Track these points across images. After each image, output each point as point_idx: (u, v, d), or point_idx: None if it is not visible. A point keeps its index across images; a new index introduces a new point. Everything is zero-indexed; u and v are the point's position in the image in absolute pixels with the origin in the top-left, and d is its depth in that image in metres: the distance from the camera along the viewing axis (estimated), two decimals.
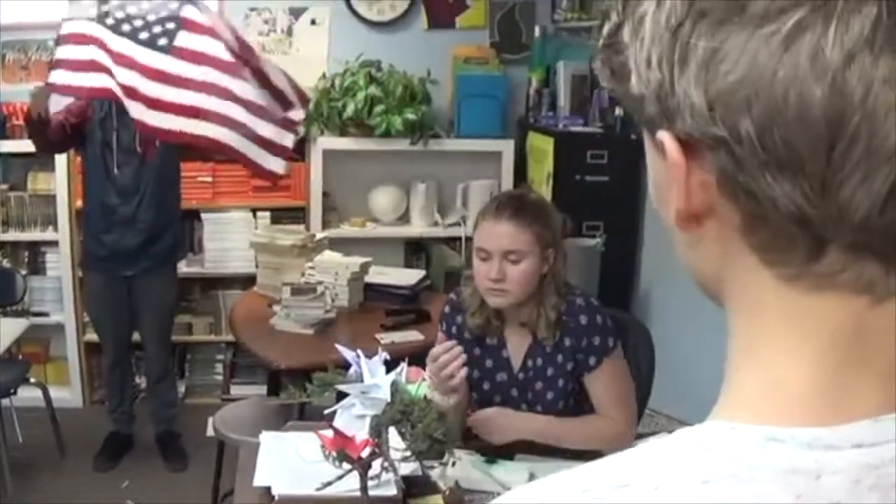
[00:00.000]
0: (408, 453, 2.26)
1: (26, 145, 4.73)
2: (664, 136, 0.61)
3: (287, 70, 5.30)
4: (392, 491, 2.42)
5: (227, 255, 5.47)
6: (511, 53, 5.61)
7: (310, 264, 4.36)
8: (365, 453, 2.22)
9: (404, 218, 5.69)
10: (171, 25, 3.93)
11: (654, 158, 0.66)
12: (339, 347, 2.47)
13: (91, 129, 4.47)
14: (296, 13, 5.55)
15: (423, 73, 5.42)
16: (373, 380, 2.29)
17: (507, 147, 5.50)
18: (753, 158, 0.56)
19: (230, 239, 5.46)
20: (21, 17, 5.44)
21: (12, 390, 4.55)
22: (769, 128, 0.55)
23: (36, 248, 5.48)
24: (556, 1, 5.38)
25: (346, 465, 2.21)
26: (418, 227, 5.66)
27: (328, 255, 4.43)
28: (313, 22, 5.57)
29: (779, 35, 0.54)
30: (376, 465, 2.22)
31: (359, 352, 2.39)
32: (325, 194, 5.58)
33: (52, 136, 4.37)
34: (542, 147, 5.15)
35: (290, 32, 5.57)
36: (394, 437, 2.27)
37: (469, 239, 5.51)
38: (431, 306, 4.13)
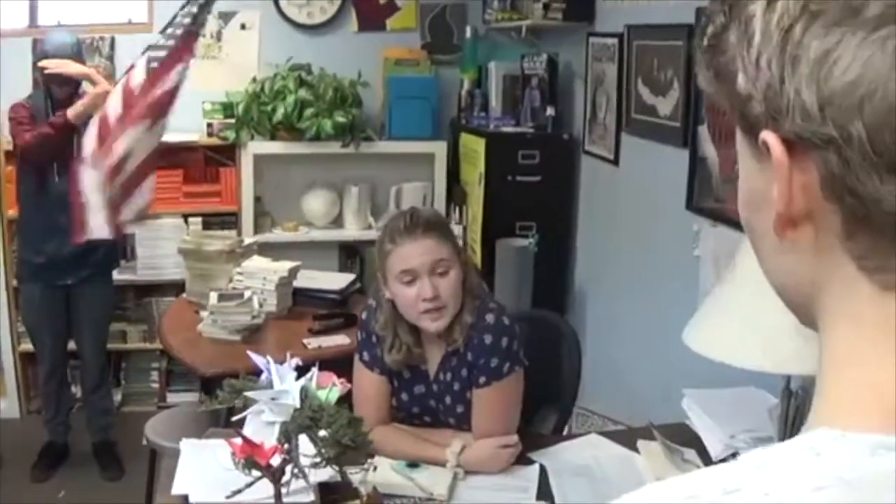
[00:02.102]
0: (318, 459, 2.25)
1: None
2: (769, 135, 0.61)
3: (218, 75, 5.32)
4: (309, 497, 2.42)
5: (160, 261, 5.42)
6: (443, 54, 5.60)
7: (238, 270, 4.32)
8: (275, 461, 2.21)
9: (338, 222, 5.67)
10: None
11: (750, 162, 0.66)
12: (251, 354, 2.45)
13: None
14: (225, 18, 5.51)
15: (355, 75, 5.39)
16: (282, 386, 2.28)
17: (439, 149, 5.50)
18: (862, 159, 0.57)
19: (162, 246, 5.40)
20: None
21: None
22: (881, 129, 0.56)
23: None
24: (486, 1, 5.38)
25: (257, 473, 2.20)
26: (352, 231, 5.64)
27: (256, 261, 4.40)
28: (243, 27, 5.54)
29: (893, 40, 0.55)
30: (288, 471, 2.21)
31: (268, 358, 2.36)
32: (257, 199, 5.55)
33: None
34: (474, 148, 5.16)
35: (219, 38, 5.53)
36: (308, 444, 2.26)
37: None
38: (361, 310, 4.11)
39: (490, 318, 2.73)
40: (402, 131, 5.43)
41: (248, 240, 4.72)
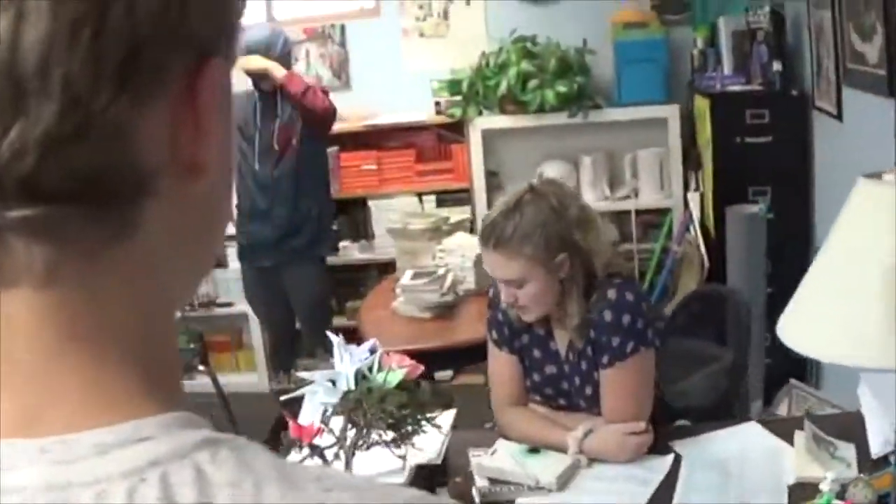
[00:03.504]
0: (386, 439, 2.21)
1: None
2: None
3: (446, 53, 5.37)
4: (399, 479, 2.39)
5: None
6: (673, 14, 5.32)
7: (440, 247, 4.33)
8: (325, 441, 2.20)
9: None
10: None
11: None
12: (329, 333, 2.44)
13: (236, 127, 4.64)
14: None
15: (581, 43, 5.24)
16: (340, 367, 2.25)
17: (671, 112, 5.23)
18: None
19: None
20: None
21: None
22: None
23: None
24: None
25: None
26: (589, 202, 5.46)
27: (458, 238, 4.39)
28: (468, 2, 5.52)
29: None
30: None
31: (339, 337, 2.35)
32: (493, 174, 5.54)
33: None
34: (703, 109, 4.86)
35: (445, 16, 5.56)
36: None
37: (638, 213, 5.36)
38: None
39: (612, 293, 2.55)
40: (632, 96, 5.22)
41: (456, 217, 4.71)
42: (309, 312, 4.87)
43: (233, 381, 5.51)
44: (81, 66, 0.49)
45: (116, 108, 0.50)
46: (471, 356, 3.67)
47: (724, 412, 3.14)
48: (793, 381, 3.94)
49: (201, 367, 5.05)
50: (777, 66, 4.57)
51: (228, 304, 5.79)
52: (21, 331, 0.53)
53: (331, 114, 4.66)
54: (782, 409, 4.09)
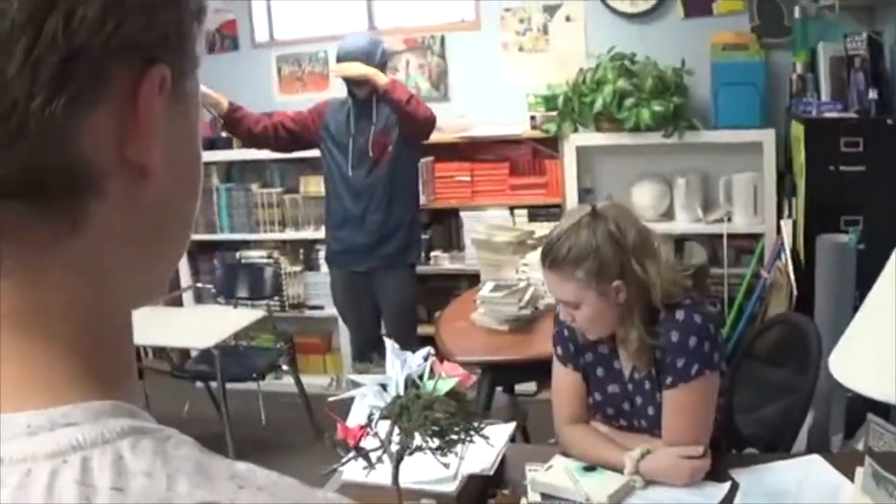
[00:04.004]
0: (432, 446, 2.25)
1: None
2: None
3: (545, 67, 5.42)
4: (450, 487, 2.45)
5: None
6: (773, 37, 5.25)
7: (523, 261, 4.35)
8: (372, 444, 2.24)
9: (668, 214, 5.51)
10: None
11: None
12: (385, 338, 2.49)
13: (328, 133, 4.76)
14: (550, 11, 5.56)
15: (679, 63, 5.22)
16: (391, 372, 2.30)
17: (767, 137, 5.16)
18: None
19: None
20: (294, 33, 5.91)
21: (254, 375, 4.96)
22: None
23: (310, 246, 5.92)
24: None
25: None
26: (681, 224, 5.46)
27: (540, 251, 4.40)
28: (568, 18, 5.54)
29: None
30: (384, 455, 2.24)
31: (392, 344, 2.40)
32: (587, 190, 5.55)
33: (249, 131, 4.76)
34: (799, 135, 4.79)
35: (545, 30, 5.59)
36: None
37: (730, 236, 5.31)
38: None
39: (680, 314, 2.53)
40: (728, 119, 5.17)
41: (542, 231, 4.72)
42: (396, 318, 4.93)
43: (319, 382, 5.61)
44: (18, 73, 0.53)
45: (53, 112, 0.54)
46: (551, 371, 3.68)
47: (792, 444, 3.11)
48: (871, 416, 3.85)
49: (285, 368, 5.18)
50: (873, 93, 4.47)
51: (319, 308, 5.91)
52: None
53: (432, 122, 4.72)
54: (861, 445, 4.01)
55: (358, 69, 4.56)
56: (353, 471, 2.32)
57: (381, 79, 4.57)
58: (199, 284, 6.06)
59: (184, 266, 6.14)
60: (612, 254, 2.51)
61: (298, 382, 5.09)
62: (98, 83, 0.56)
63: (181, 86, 0.62)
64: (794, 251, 4.89)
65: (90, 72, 0.55)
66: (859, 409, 4.11)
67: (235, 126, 4.73)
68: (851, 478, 2.53)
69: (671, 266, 2.66)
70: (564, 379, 2.79)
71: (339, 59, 4.66)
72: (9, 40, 0.53)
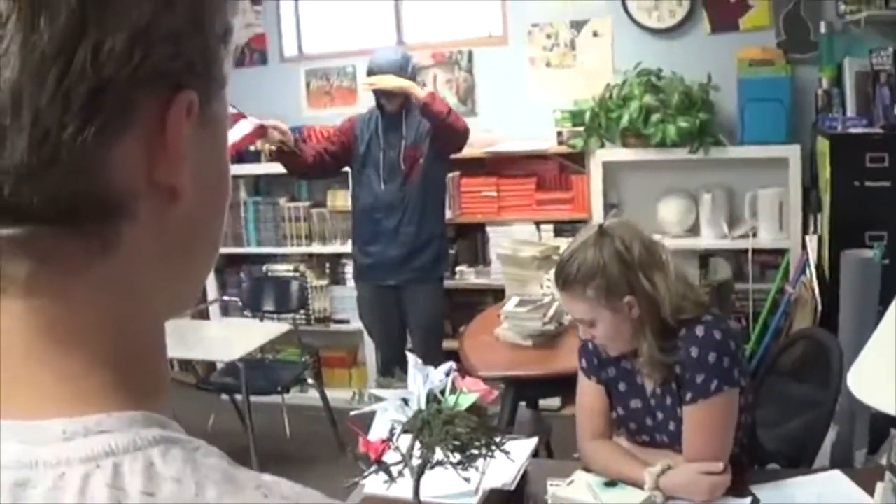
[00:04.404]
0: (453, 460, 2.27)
1: None
2: None
3: (572, 83, 5.45)
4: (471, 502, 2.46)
5: None
6: (799, 53, 5.25)
7: (548, 276, 4.36)
8: (393, 458, 2.26)
9: (694, 230, 5.51)
10: None
11: None
12: (408, 354, 2.51)
13: (357, 148, 4.80)
14: (577, 26, 5.58)
15: (706, 79, 5.22)
16: (413, 386, 2.32)
17: (793, 153, 5.15)
18: None
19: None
20: (322, 48, 5.96)
21: (279, 388, 4.99)
22: None
23: (336, 260, 5.95)
24: None
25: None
26: (707, 239, 5.45)
27: None
28: (595, 34, 5.56)
29: None
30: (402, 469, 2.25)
31: (414, 359, 2.42)
32: (612, 206, 5.56)
33: (306, 164, 4.78)
34: (824, 151, 4.79)
35: (573, 46, 5.61)
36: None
37: (756, 252, 5.30)
38: None
39: (700, 330, 2.53)
40: (754, 135, 5.17)
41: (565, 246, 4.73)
42: (424, 332, 4.96)
43: (344, 396, 5.65)
44: (49, 104, 0.55)
45: (84, 140, 0.56)
46: (574, 386, 3.69)
47: (814, 459, 3.10)
48: (894, 431, 3.84)
49: (310, 381, 5.21)
50: None
51: (345, 322, 5.94)
52: (4, 332, 0.60)
53: (468, 134, 4.79)
54: (885, 460, 3.99)
55: (396, 81, 4.61)
56: (374, 484, 2.34)
57: (420, 92, 4.61)
58: (226, 298, 6.10)
59: (210, 279, 6.18)
60: (620, 271, 2.54)
61: (323, 396, 5.12)
62: (126, 112, 0.58)
63: (208, 108, 0.64)
64: (818, 266, 4.89)
65: (119, 101, 0.57)
66: (883, 424, 4.09)
67: (294, 160, 4.77)
68: (873, 493, 2.53)
69: (682, 279, 2.66)
70: (588, 392, 2.80)
71: (372, 73, 4.70)
72: (40, 72, 0.55)
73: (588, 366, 2.78)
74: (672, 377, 2.58)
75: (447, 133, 4.67)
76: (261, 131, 4.60)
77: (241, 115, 4.45)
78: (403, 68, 4.68)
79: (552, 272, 4.31)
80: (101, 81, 0.56)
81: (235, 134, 4.49)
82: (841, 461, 4.03)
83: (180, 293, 0.70)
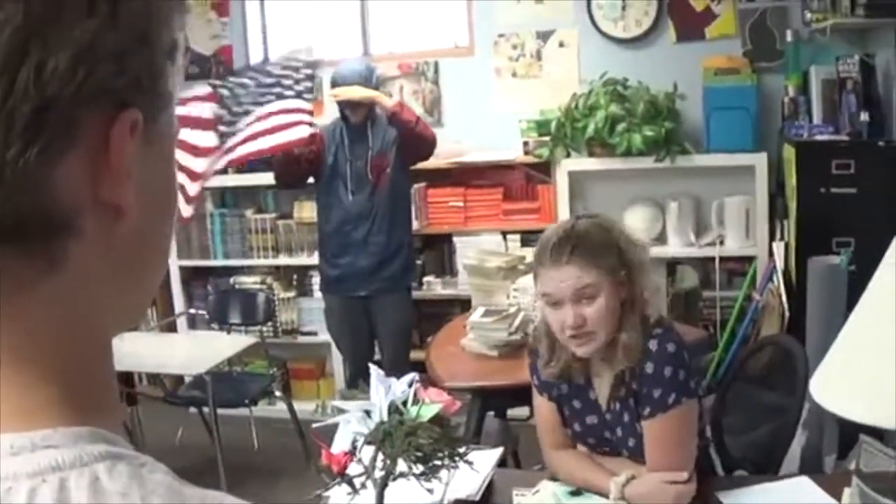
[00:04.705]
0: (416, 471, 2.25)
1: None
2: None
3: (538, 93, 5.46)
4: None
5: None
6: (766, 61, 5.28)
7: (514, 286, 4.35)
8: (355, 470, 2.24)
9: (661, 238, 5.52)
10: None
11: None
12: (371, 365, 2.49)
13: (324, 158, 4.78)
14: (543, 36, 5.59)
15: (671, 87, 5.24)
16: (375, 398, 2.30)
17: (759, 161, 5.18)
18: None
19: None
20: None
21: (247, 400, 4.96)
22: None
23: (303, 272, 5.93)
24: (805, 2, 4.99)
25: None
26: (674, 248, 5.47)
27: (531, 278, 4.40)
28: (561, 44, 5.58)
29: None
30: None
31: (376, 370, 2.40)
32: (579, 217, 5.54)
33: (300, 171, 4.80)
34: (791, 158, 4.81)
35: (539, 56, 5.62)
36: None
37: (723, 260, 5.31)
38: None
39: (653, 344, 2.51)
40: (721, 143, 5.19)
41: (532, 256, 4.72)
42: (393, 341, 4.95)
43: (312, 408, 5.62)
44: None
45: (27, 160, 0.56)
46: None
47: (780, 465, 3.11)
48: (863, 436, 3.85)
49: (277, 394, 5.18)
50: (865, 116, 4.50)
51: (312, 333, 5.91)
52: None
53: (435, 142, 4.79)
54: (854, 465, 4.01)
55: (363, 92, 4.60)
56: (339, 496, 2.31)
57: (387, 101, 4.61)
58: (193, 310, 6.06)
59: (178, 292, 6.15)
60: (618, 244, 2.54)
61: (291, 408, 5.08)
62: (70, 130, 0.58)
63: (154, 125, 0.64)
64: (785, 273, 4.90)
65: (62, 120, 0.57)
66: (852, 430, 4.10)
67: (297, 168, 4.78)
68: (840, 499, 2.53)
69: (654, 284, 2.68)
70: (544, 406, 2.77)
71: (336, 84, 4.68)
72: None
73: (539, 382, 2.75)
74: (629, 393, 2.56)
75: (416, 142, 4.66)
76: (310, 140, 4.62)
77: (304, 122, 4.50)
78: (368, 79, 4.67)
79: (519, 281, 4.35)
80: (44, 100, 0.56)
81: (291, 136, 4.49)
82: (810, 467, 4.04)
83: (128, 308, 0.70)
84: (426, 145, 4.73)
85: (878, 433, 4.11)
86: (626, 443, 2.62)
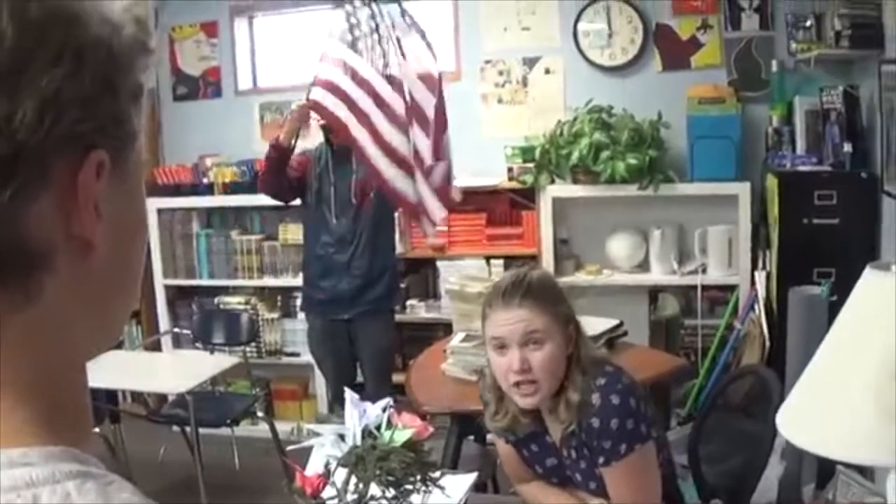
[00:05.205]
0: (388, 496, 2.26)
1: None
2: None
3: (524, 119, 5.49)
4: None
5: None
6: (751, 91, 5.32)
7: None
8: (328, 493, 2.25)
9: (643, 265, 5.55)
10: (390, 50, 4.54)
11: None
12: (346, 389, 2.51)
13: (310, 182, 4.80)
14: (530, 63, 5.63)
15: (656, 116, 5.28)
16: (349, 422, 2.32)
17: (742, 189, 5.21)
18: None
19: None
20: (276, 81, 5.97)
21: (229, 420, 4.98)
22: None
23: (288, 293, 5.94)
24: (791, 33, 5.04)
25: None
26: (656, 275, 5.49)
27: None
28: (547, 71, 5.62)
29: None
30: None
31: (351, 394, 2.42)
32: (563, 241, 5.59)
33: (288, 176, 4.79)
34: (773, 188, 4.84)
35: (525, 83, 5.66)
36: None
37: (705, 288, 5.34)
38: (621, 357, 3.98)
39: (596, 398, 2.48)
40: (703, 172, 5.23)
41: None
42: (375, 364, 4.95)
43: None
44: None
45: (1, 202, 0.60)
46: None
47: (751, 494, 3.12)
48: (839, 468, 3.87)
49: (259, 414, 5.19)
50: (848, 147, 4.53)
51: (296, 354, 5.92)
52: None
53: None
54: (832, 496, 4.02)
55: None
56: None
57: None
58: (178, 329, 6.06)
59: (163, 311, 6.16)
60: (564, 297, 2.59)
61: (273, 429, 5.09)
62: (41, 174, 0.61)
63: (121, 164, 0.68)
64: (767, 303, 4.93)
65: (32, 165, 0.61)
66: (832, 461, 4.12)
67: (285, 162, 4.78)
68: None
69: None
70: (502, 448, 2.81)
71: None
72: None
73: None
74: (581, 444, 2.55)
75: None
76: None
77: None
78: None
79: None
80: (14, 148, 0.59)
81: None
82: (788, 496, 4.06)
83: (100, 336, 0.74)
84: None
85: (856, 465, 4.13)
86: (587, 486, 2.62)
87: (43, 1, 0.59)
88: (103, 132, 0.64)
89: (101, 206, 0.65)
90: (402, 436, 2.29)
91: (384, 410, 2.36)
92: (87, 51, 0.62)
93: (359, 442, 2.26)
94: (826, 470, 4.19)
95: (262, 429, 5.35)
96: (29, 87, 0.59)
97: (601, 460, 2.50)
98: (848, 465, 4.03)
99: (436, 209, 4.62)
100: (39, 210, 0.62)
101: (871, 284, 1.96)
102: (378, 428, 2.31)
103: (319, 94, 4.47)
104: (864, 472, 4.12)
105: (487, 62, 5.69)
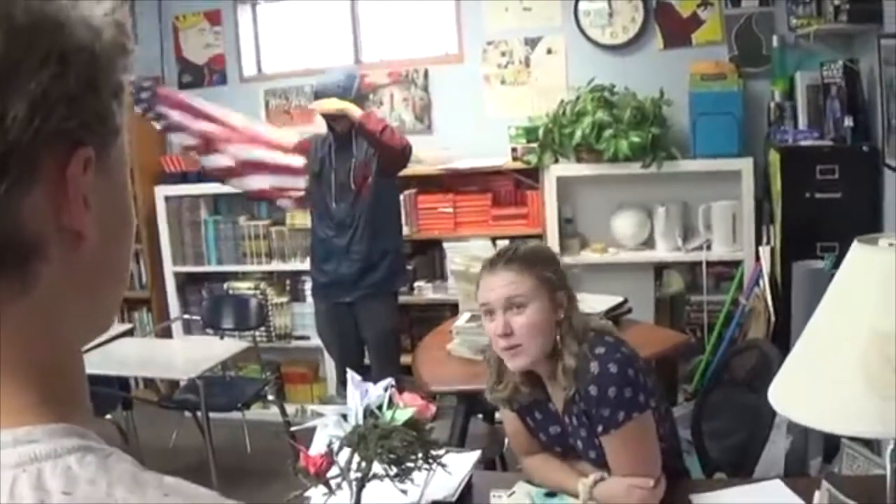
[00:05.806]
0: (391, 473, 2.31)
1: None
2: None
3: (527, 100, 5.51)
4: None
5: None
6: (752, 66, 5.33)
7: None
8: (332, 472, 2.30)
9: (649, 243, 5.58)
10: None
11: None
12: (348, 370, 2.54)
13: (312, 167, 4.85)
14: (532, 44, 5.65)
15: (658, 93, 5.29)
16: (351, 402, 2.36)
17: (745, 165, 5.23)
18: None
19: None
20: (281, 67, 6.01)
21: (239, 404, 5.03)
22: None
23: (296, 277, 5.99)
24: (790, 8, 5.04)
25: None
26: (661, 252, 5.52)
27: None
28: (549, 51, 5.63)
29: None
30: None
31: (353, 375, 2.46)
32: (568, 220, 5.61)
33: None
34: (776, 163, 4.86)
35: (527, 63, 5.67)
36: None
37: (710, 264, 5.36)
38: (626, 334, 4.00)
39: (594, 367, 2.51)
40: (706, 148, 5.24)
41: None
42: (380, 346, 4.99)
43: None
44: None
45: None
46: None
47: (753, 468, 3.15)
48: (844, 440, 3.90)
49: (270, 398, 5.24)
50: (849, 121, 4.54)
51: (305, 338, 5.98)
52: None
53: (408, 151, 4.79)
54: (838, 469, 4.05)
55: (332, 105, 4.65)
56: (319, 497, 2.37)
57: (356, 112, 4.65)
58: (188, 316, 6.12)
59: (173, 298, 6.22)
60: (555, 266, 2.62)
61: (283, 412, 5.14)
62: (32, 169, 0.66)
63: (106, 158, 0.73)
64: (771, 277, 4.95)
65: (24, 161, 0.65)
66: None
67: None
68: (810, 501, 2.57)
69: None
70: (508, 417, 2.83)
71: (317, 96, 4.75)
72: None
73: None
74: (581, 412, 2.58)
75: (384, 150, 4.68)
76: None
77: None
78: (347, 90, 4.72)
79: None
80: (7, 146, 0.64)
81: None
82: (794, 470, 4.09)
83: (94, 321, 0.79)
84: (395, 154, 4.72)
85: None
86: (587, 454, 2.65)
87: (30, 10, 0.64)
88: (88, 128, 0.69)
89: (90, 198, 0.70)
90: (403, 415, 2.33)
91: (386, 390, 2.40)
92: (71, 54, 0.66)
93: (361, 422, 2.30)
94: (832, 444, 4.22)
95: (273, 412, 5.41)
96: (19, 90, 0.63)
97: (599, 428, 2.53)
98: (852, 439, 4.06)
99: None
100: (32, 203, 0.66)
101: (858, 259, 1.97)
102: (380, 407, 2.35)
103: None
104: (871, 445, 4.15)
105: (490, 43, 5.71)
